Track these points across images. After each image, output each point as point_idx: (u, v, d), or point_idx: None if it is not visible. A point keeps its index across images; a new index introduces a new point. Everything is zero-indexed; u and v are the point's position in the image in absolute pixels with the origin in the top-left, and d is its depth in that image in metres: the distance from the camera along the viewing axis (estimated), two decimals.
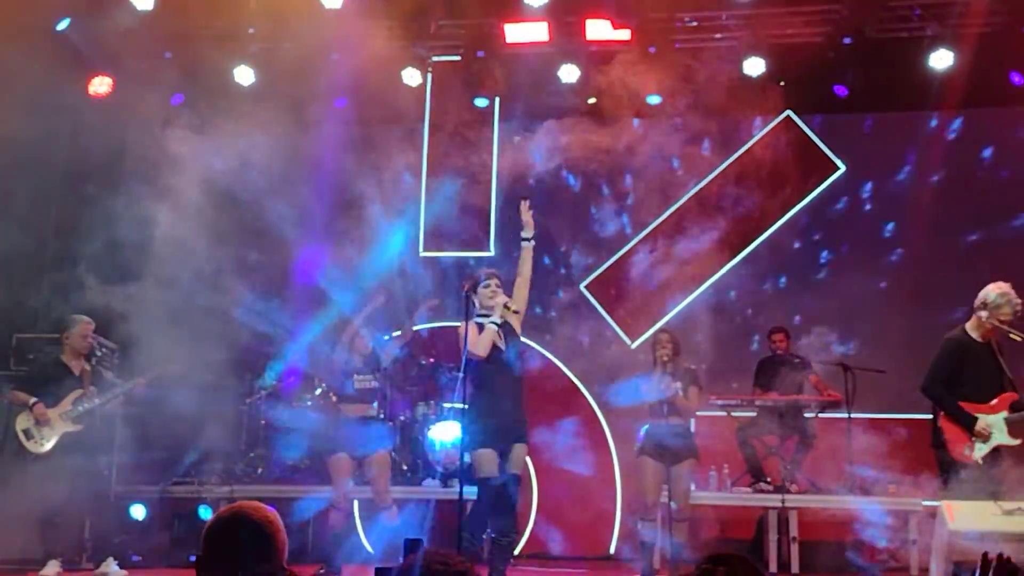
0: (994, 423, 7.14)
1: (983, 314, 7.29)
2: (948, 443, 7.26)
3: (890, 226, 10.71)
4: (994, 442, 7.11)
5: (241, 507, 3.06)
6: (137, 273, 9.41)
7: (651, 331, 10.34)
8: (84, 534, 8.52)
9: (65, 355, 8.42)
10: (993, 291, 7.32)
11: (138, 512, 9.38)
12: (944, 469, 7.38)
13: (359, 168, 10.58)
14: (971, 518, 6.46)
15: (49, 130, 8.51)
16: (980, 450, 7.12)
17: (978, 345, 7.32)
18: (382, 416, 9.13)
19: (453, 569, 2.70)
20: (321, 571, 8.03)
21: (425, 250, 11.41)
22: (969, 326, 7.38)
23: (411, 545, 5.25)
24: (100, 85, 10.53)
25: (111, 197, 9.31)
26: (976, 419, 7.12)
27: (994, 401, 7.18)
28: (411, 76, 10.89)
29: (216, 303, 9.10)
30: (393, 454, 9.33)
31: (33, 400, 8.16)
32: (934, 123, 10.72)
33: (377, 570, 5.97)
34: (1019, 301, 7.31)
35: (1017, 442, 7.12)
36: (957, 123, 10.65)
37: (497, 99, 11.25)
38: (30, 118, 8.53)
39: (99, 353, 8.87)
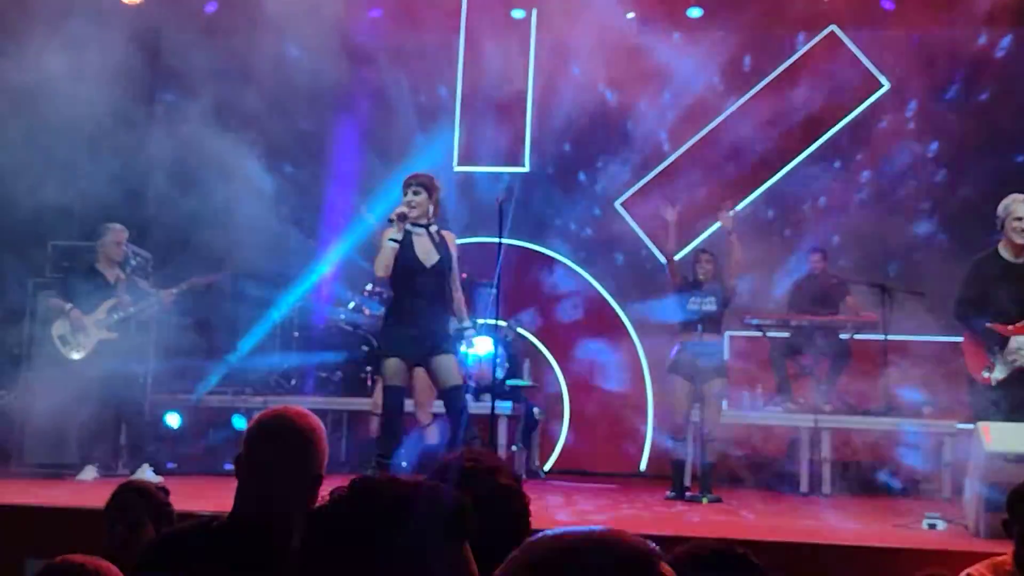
0: (1021, 344, 6.96)
1: (1011, 225, 7.03)
2: (968, 365, 7.14)
3: (934, 146, 10.46)
4: (1018, 364, 6.93)
5: (285, 411, 2.99)
6: (173, 183, 9.42)
7: (687, 249, 10.24)
8: (119, 441, 8.59)
9: (100, 263, 8.41)
10: (1006, 199, 7.10)
11: (173, 420, 9.48)
12: (969, 392, 7.29)
13: (393, 80, 10.48)
14: (1009, 440, 6.39)
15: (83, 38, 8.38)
16: (1000, 371, 6.96)
17: (1011, 265, 7.08)
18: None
19: (484, 466, 2.65)
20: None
21: (459, 165, 11.30)
22: (1001, 246, 7.15)
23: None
24: None
25: (145, 106, 9.25)
26: (1007, 341, 6.95)
27: (1021, 323, 6.99)
28: None
29: (253, 215, 9.09)
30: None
31: (69, 306, 8.19)
32: (983, 40, 10.41)
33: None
34: None
35: None
36: (1007, 40, 10.33)
37: (535, 11, 11.02)
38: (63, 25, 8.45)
39: (134, 262, 8.88)
